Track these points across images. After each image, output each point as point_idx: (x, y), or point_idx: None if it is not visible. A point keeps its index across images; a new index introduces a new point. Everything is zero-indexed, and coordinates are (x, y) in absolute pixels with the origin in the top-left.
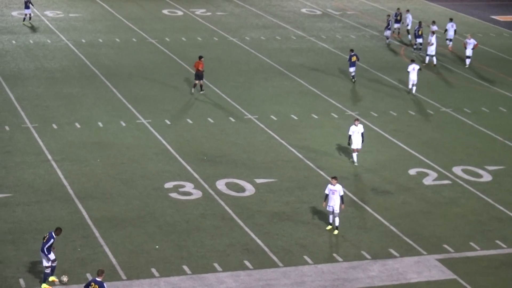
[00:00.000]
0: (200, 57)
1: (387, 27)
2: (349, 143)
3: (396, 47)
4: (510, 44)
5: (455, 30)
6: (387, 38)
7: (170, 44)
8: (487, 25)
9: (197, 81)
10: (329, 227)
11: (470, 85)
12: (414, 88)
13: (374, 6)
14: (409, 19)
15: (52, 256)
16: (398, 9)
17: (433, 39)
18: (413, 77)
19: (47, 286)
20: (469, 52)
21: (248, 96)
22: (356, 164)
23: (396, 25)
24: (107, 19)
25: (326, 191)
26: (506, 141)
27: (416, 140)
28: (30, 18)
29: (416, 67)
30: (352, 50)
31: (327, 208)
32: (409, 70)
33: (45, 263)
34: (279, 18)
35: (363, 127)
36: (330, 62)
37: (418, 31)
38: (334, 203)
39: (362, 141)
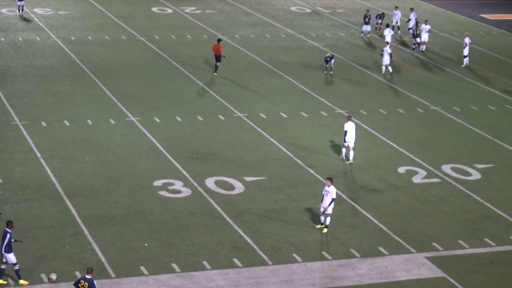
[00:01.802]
0: (219, 40)
1: (367, 22)
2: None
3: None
4: (499, 42)
5: (414, 19)
6: (367, 33)
7: (160, 42)
8: (476, 24)
9: (218, 63)
10: (319, 225)
11: (459, 83)
12: (384, 68)
13: (364, 5)
14: (397, 16)
15: (13, 259)
16: (383, 13)
17: (386, 30)
18: (386, 58)
19: (2, 281)
20: (464, 51)
21: (237, 94)
22: (351, 162)
23: (377, 21)
24: (96, 16)
25: (323, 192)
26: (495, 140)
27: (405, 138)
28: (22, 10)
29: (389, 50)
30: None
31: (320, 209)
32: (383, 53)
33: (11, 261)
34: (269, 16)
35: (352, 125)
36: (319, 61)
37: (416, 30)
38: (326, 204)
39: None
